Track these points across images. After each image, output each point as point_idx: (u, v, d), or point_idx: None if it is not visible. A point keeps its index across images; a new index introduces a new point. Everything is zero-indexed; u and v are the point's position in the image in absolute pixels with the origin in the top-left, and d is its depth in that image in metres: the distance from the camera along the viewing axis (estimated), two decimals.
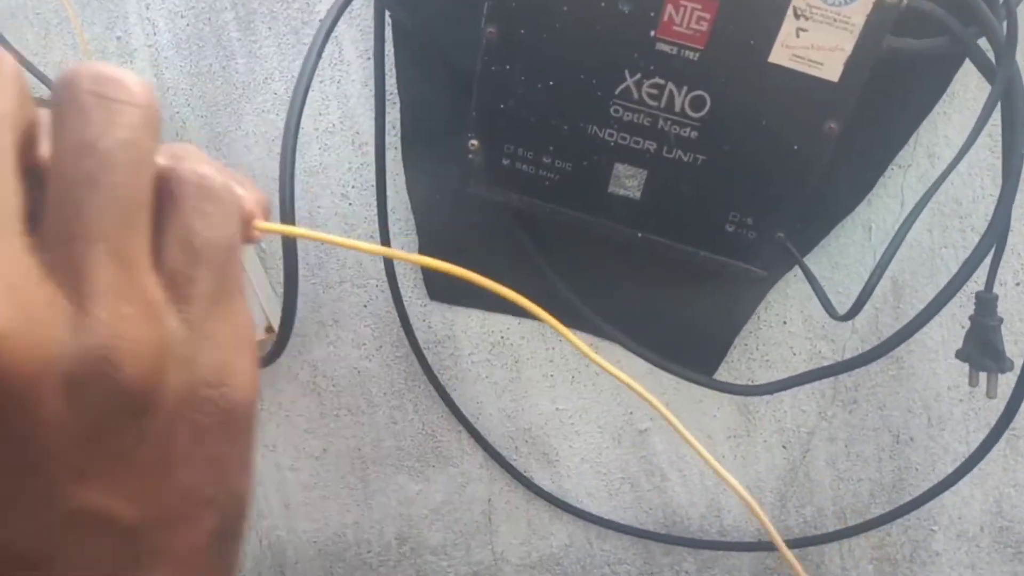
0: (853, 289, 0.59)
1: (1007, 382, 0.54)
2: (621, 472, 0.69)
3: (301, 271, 0.67)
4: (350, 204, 0.64)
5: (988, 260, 0.50)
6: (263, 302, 0.64)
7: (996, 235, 0.43)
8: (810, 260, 0.57)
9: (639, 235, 0.51)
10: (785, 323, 0.61)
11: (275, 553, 0.79)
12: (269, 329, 0.65)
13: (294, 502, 0.78)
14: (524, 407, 0.68)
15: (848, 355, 0.61)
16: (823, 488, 0.65)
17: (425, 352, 0.68)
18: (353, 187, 0.64)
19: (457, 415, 0.70)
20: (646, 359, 0.60)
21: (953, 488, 0.63)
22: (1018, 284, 0.57)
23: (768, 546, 0.67)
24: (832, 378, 0.62)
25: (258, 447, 0.75)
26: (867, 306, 0.59)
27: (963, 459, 0.57)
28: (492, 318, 0.66)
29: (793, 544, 0.66)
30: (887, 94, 0.50)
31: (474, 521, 0.73)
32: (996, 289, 0.54)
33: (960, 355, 0.51)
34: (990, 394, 0.50)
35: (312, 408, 0.73)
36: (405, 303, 0.66)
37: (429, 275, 0.65)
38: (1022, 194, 0.53)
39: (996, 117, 0.46)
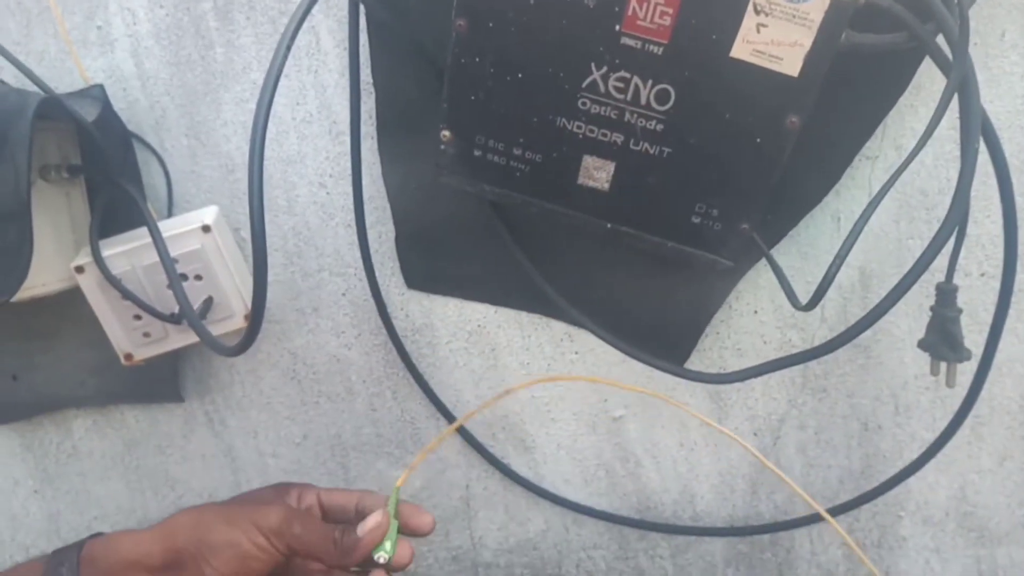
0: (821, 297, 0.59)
1: (969, 371, 0.55)
2: (596, 459, 0.70)
3: (280, 260, 0.68)
4: (327, 193, 0.65)
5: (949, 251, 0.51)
6: (242, 291, 0.65)
7: (954, 224, 0.44)
8: (779, 251, 0.58)
9: (608, 226, 0.52)
10: (756, 312, 0.62)
11: None
12: (247, 316, 0.65)
13: None
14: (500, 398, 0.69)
15: (818, 344, 0.62)
16: (793, 474, 0.67)
17: (403, 340, 0.69)
18: (330, 176, 0.64)
19: (435, 402, 0.71)
20: (618, 348, 0.61)
21: (919, 475, 0.64)
22: (982, 275, 0.58)
23: (740, 531, 0.68)
24: (802, 367, 0.63)
25: (239, 434, 0.76)
26: (836, 296, 0.61)
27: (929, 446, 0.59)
28: (469, 307, 0.67)
29: (763, 530, 0.67)
30: (851, 86, 0.51)
31: (452, 506, 0.74)
32: (960, 280, 0.56)
33: (922, 345, 0.52)
34: (949, 383, 0.51)
35: (292, 395, 0.74)
36: (383, 292, 0.67)
37: (406, 264, 0.66)
38: (989, 188, 0.54)
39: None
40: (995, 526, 0.65)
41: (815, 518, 0.66)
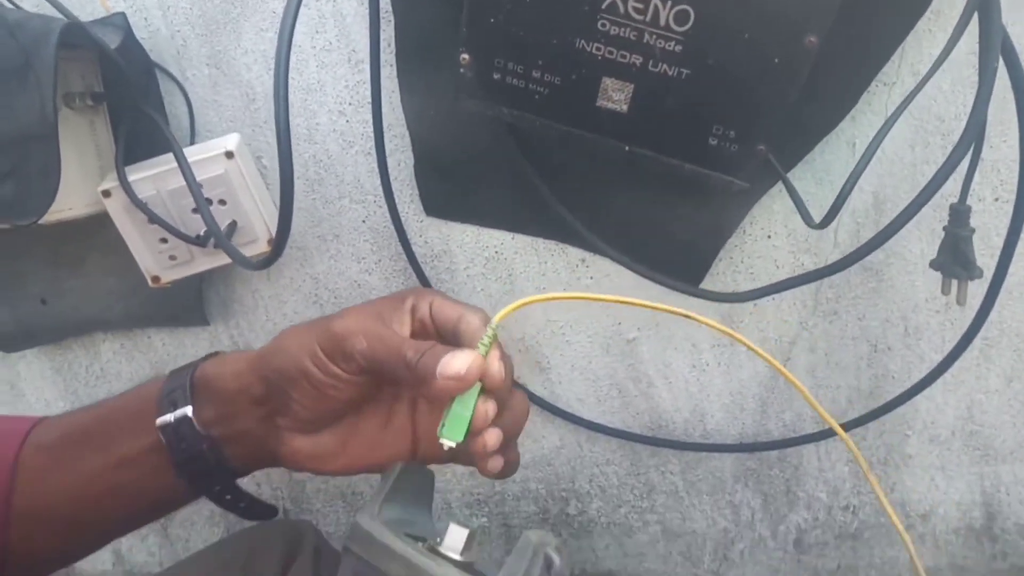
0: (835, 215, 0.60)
1: (979, 293, 0.56)
2: (609, 379, 0.72)
3: (301, 187, 0.69)
4: (347, 121, 0.65)
5: (964, 172, 0.51)
6: (264, 216, 0.66)
7: (970, 142, 0.45)
8: (794, 176, 0.59)
9: (626, 148, 0.53)
10: (770, 237, 0.63)
11: None
12: (271, 241, 0.67)
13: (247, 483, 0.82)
14: (518, 318, 0.71)
15: None
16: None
17: (422, 266, 0.70)
18: (350, 104, 0.65)
19: None
20: (634, 271, 0.62)
21: (927, 395, 0.66)
22: (996, 199, 0.59)
23: (749, 447, 0.70)
24: (814, 290, 0.64)
25: None
26: (849, 221, 0.61)
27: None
28: (486, 233, 0.68)
29: (772, 446, 0.69)
30: (869, 9, 0.50)
31: None
32: (974, 204, 0.56)
33: (934, 264, 0.53)
34: (960, 301, 0.52)
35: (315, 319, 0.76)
36: (402, 218, 0.68)
37: (425, 191, 0.67)
38: (1007, 112, 0.54)
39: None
40: (1000, 444, 0.67)
41: (823, 435, 0.68)
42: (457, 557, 0.32)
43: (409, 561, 0.31)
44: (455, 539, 0.33)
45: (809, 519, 0.75)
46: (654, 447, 0.74)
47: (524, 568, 0.29)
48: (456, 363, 0.33)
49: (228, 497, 0.41)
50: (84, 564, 1.03)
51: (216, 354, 0.42)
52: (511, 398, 0.38)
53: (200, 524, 0.95)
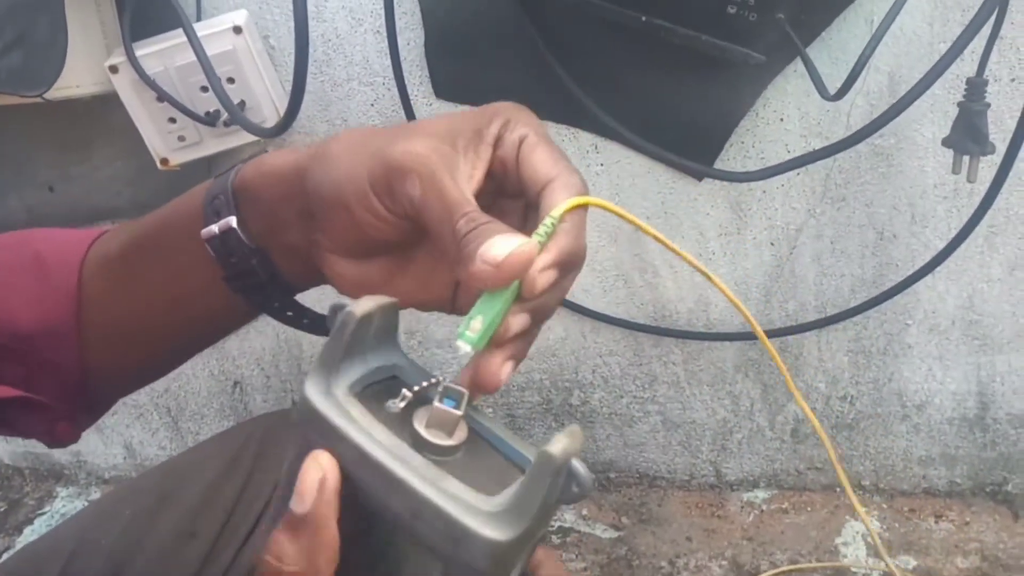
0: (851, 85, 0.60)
1: (987, 178, 0.56)
2: (616, 269, 0.72)
3: (309, 69, 0.68)
4: None
5: (982, 48, 0.51)
6: (273, 96, 0.66)
7: (990, 12, 0.44)
8: (810, 53, 0.58)
9: (643, 19, 0.52)
10: (782, 120, 0.63)
11: (291, 347, 0.85)
12: (279, 124, 0.67)
13: (308, 299, 0.83)
14: None
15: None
16: (807, 283, 0.69)
17: None
18: None
19: None
20: (645, 152, 0.62)
21: (929, 283, 0.67)
22: (1013, 80, 0.58)
23: (751, 336, 0.71)
24: (823, 176, 0.64)
25: None
26: (863, 102, 0.61)
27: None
28: None
29: (773, 334, 0.71)
30: None
31: None
32: (991, 83, 0.56)
33: (946, 142, 0.53)
34: (970, 178, 0.52)
35: None
36: (412, 101, 0.67)
37: (436, 71, 0.66)
38: None
39: None
40: (998, 334, 0.69)
41: (825, 321, 0.69)
42: (445, 441, 0.25)
43: (377, 464, 0.24)
44: (443, 416, 0.26)
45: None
46: (657, 337, 0.75)
47: (544, 491, 0.23)
48: (496, 248, 0.26)
49: (289, 313, 0.37)
50: (95, 458, 1.06)
51: (255, 156, 0.35)
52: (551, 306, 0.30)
53: (210, 417, 0.97)
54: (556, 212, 0.27)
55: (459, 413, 0.26)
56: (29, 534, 1.01)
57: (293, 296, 0.36)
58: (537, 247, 0.26)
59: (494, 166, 0.30)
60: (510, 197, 0.31)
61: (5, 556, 1.02)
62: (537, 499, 0.23)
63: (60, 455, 1.07)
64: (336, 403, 0.25)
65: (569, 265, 0.28)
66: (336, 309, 0.27)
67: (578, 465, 0.23)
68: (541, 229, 0.27)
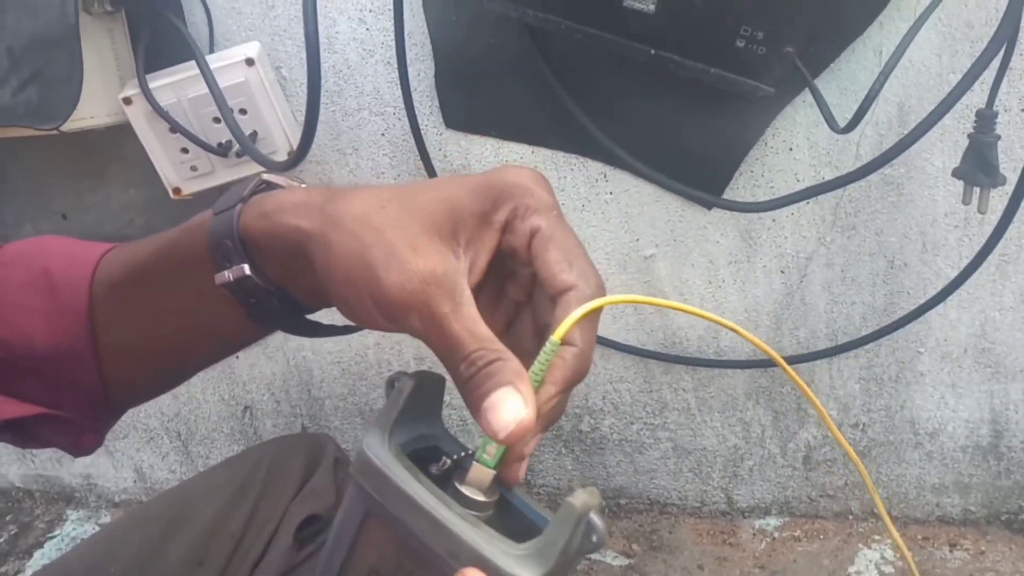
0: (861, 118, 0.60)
1: (999, 207, 0.56)
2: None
3: (320, 99, 0.69)
4: (367, 29, 0.65)
5: (992, 79, 0.51)
6: (285, 127, 0.66)
7: (1000, 45, 0.44)
8: (820, 84, 0.58)
9: (652, 52, 0.53)
10: (791, 150, 0.63)
11: (301, 372, 0.85)
12: (291, 153, 0.67)
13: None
14: None
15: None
16: (817, 311, 0.69)
17: None
18: (370, 11, 0.64)
19: None
20: (655, 182, 0.62)
21: (941, 312, 0.67)
22: (1023, 110, 0.58)
23: (762, 363, 0.71)
24: (833, 205, 0.64)
25: None
26: (872, 133, 0.61)
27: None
28: (506, 147, 0.68)
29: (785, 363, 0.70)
30: None
31: None
32: (1001, 114, 0.56)
33: (956, 172, 0.53)
34: (981, 209, 0.52)
35: None
36: (422, 131, 0.68)
37: (446, 101, 0.66)
38: None
39: None
40: (1011, 362, 0.68)
41: (836, 350, 0.69)
42: (480, 498, 0.28)
43: (424, 510, 0.27)
44: (479, 478, 0.28)
45: (819, 436, 0.76)
46: (668, 364, 0.75)
47: (566, 538, 0.26)
48: (499, 419, 0.26)
49: (302, 328, 0.38)
50: (106, 481, 1.06)
51: (269, 186, 0.34)
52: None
53: (220, 441, 0.97)
54: (556, 336, 0.27)
55: (493, 472, 0.28)
56: (39, 557, 1.01)
57: (306, 316, 0.36)
58: (535, 417, 0.27)
59: (502, 248, 0.30)
60: (522, 265, 0.31)
61: None
62: (560, 544, 0.26)
63: (70, 479, 1.08)
64: (390, 458, 0.28)
65: (576, 381, 0.29)
66: (394, 379, 0.31)
67: (596, 518, 0.26)
68: (538, 364, 0.27)
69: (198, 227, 0.33)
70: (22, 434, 0.36)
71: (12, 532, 1.07)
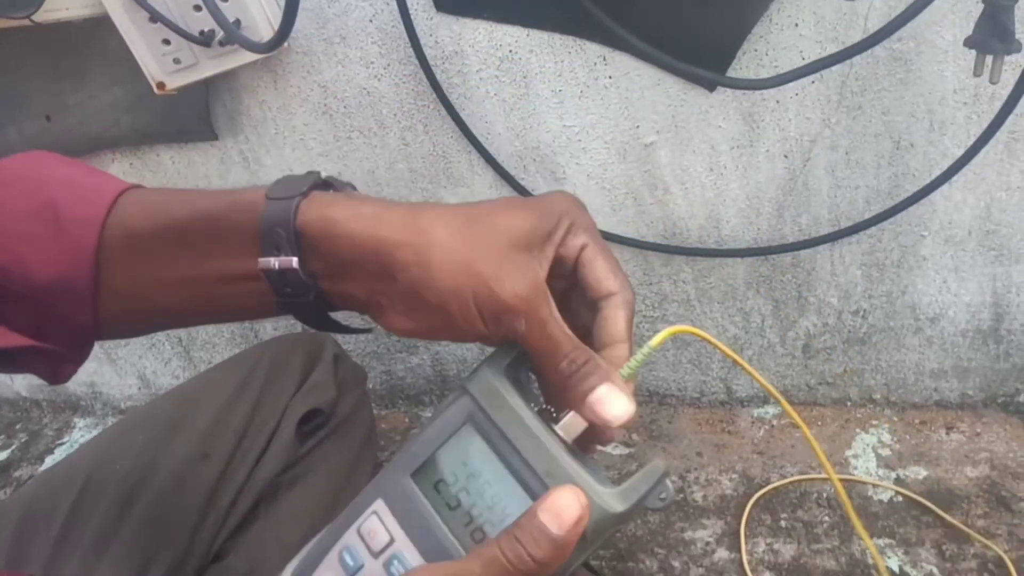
0: None
1: (1009, 82, 0.54)
2: (625, 187, 0.71)
3: None
4: None
5: None
6: (268, 13, 0.64)
7: None
8: None
9: None
10: (796, 25, 0.60)
11: None
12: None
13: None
14: (532, 125, 0.70)
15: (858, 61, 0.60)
16: (820, 196, 0.68)
17: (433, 69, 0.68)
18: None
19: (467, 135, 0.71)
20: (655, 62, 0.60)
21: (946, 193, 0.65)
22: None
23: (762, 251, 0.70)
24: (839, 84, 0.62)
25: (275, 172, 0.78)
26: (881, 3, 0.59)
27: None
28: (500, 30, 0.65)
29: (786, 249, 0.70)
30: None
31: None
32: None
33: (968, 42, 0.51)
34: (993, 79, 0.50)
35: (325, 131, 0.75)
36: (412, 16, 0.65)
37: None
38: None
39: None
40: (1015, 245, 0.67)
41: (838, 235, 0.68)
42: (569, 442, 0.32)
43: (531, 430, 0.31)
44: (572, 425, 0.32)
45: (819, 324, 0.76)
46: (667, 255, 0.74)
47: (646, 489, 0.31)
48: (612, 410, 0.32)
49: (323, 323, 0.39)
50: (110, 389, 1.07)
51: (325, 184, 0.36)
52: None
53: (221, 346, 0.97)
54: (654, 342, 0.33)
55: (585, 424, 0.32)
56: (51, 463, 1.03)
57: (329, 313, 0.37)
58: (634, 408, 0.32)
59: (553, 261, 0.34)
60: (558, 278, 0.35)
61: None
62: (640, 492, 0.31)
63: (75, 387, 1.09)
64: (506, 383, 0.33)
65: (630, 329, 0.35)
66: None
67: (670, 483, 0.31)
68: (639, 356, 0.33)
69: (249, 207, 0.34)
70: (1, 360, 0.36)
71: (23, 440, 1.09)
